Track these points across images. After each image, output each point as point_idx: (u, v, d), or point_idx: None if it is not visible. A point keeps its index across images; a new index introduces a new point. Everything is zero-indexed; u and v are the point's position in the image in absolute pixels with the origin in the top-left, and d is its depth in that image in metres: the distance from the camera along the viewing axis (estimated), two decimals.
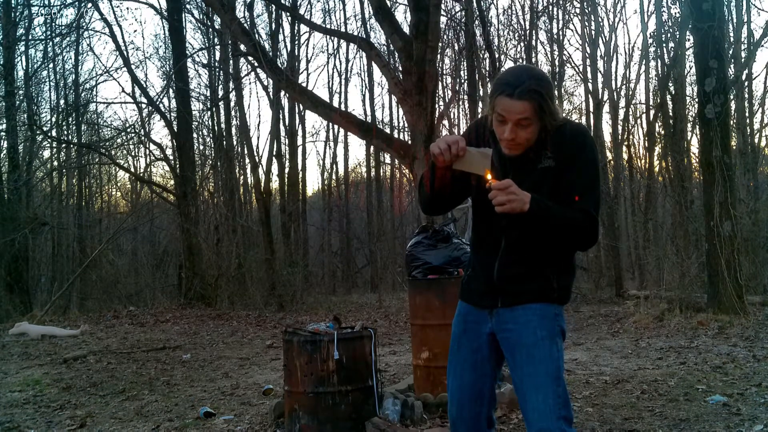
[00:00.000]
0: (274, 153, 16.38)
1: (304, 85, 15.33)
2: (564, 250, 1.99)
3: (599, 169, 1.96)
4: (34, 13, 15.42)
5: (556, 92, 2.08)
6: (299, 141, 19.55)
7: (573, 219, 1.87)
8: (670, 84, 12.75)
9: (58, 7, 15.39)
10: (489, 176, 1.85)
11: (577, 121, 2.16)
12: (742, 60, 12.95)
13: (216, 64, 17.33)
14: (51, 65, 17.77)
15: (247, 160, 16.98)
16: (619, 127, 18.13)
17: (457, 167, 1.92)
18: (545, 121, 1.87)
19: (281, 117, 17.27)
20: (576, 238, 1.93)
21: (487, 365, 2.07)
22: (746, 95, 14.08)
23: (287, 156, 17.59)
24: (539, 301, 1.95)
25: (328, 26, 19.81)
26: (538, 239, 1.92)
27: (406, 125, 16.42)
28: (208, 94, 18.23)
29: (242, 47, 9.95)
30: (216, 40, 16.52)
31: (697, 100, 9.18)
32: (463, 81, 17.54)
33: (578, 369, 5.43)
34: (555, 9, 18.97)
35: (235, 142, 17.51)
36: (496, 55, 17.20)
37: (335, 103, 18.94)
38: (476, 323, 2.07)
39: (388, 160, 21.74)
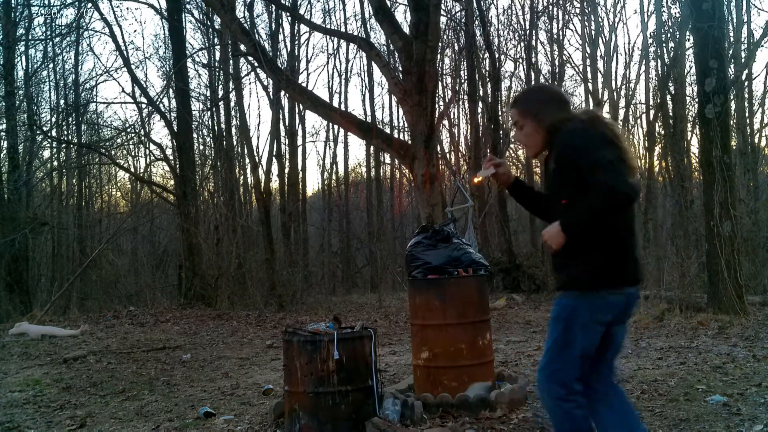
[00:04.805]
0: (274, 153, 16.38)
1: (304, 85, 15.33)
2: (573, 244, 2.26)
3: (588, 159, 2.19)
4: (34, 13, 15.47)
5: (551, 98, 2.49)
6: (299, 141, 19.58)
7: (591, 205, 2.18)
8: (670, 84, 12.75)
9: (58, 7, 15.44)
10: (476, 180, 2.84)
11: (578, 119, 2.39)
12: (742, 60, 12.95)
13: (216, 64, 17.34)
14: (51, 65, 17.82)
15: (247, 160, 16.98)
16: (619, 127, 18.10)
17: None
18: (538, 124, 2.41)
19: (281, 117, 17.29)
20: (608, 210, 2.18)
21: None
22: (746, 95, 14.09)
23: (287, 156, 17.59)
24: (559, 289, 2.42)
25: (328, 26, 19.84)
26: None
27: (406, 125, 16.42)
28: (208, 94, 18.25)
29: (242, 47, 9.96)
30: (216, 40, 16.52)
31: (697, 100, 9.17)
32: (463, 81, 17.56)
33: None
34: (555, 9, 18.98)
35: (235, 142, 17.51)
36: (496, 55, 17.21)
37: (335, 103, 18.95)
38: None
39: (388, 160, 21.75)
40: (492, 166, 2.60)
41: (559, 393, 2.31)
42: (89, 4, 14.95)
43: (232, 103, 16.70)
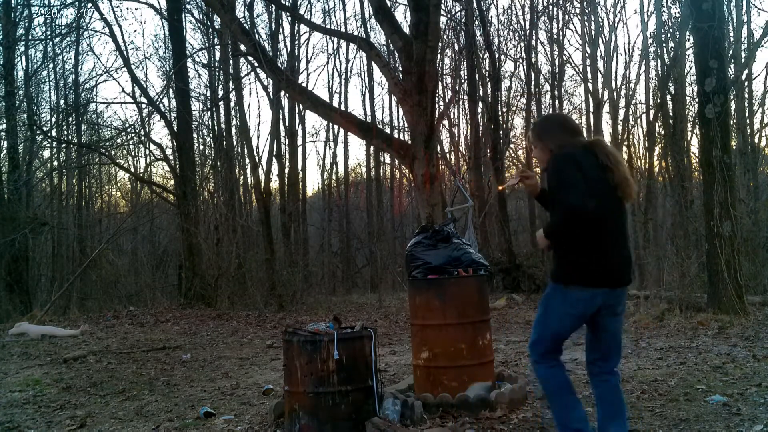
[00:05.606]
0: (274, 153, 16.38)
1: (304, 85, 15.33)
2: (556, 246, 2.85)
3: (558, 179, 2.72)
4: (34, 13, 15.46)
5: (555, 126, 3.06)
6: (299, 141, 19.57)
7: (555, 220, 2.82)
8: (670, 84, 12.74)
9: (58, 7, 15.44)
10: (500, 187, 3.42)
11: (573, 146, 2.87)
12: (742, 60, 12.93)
13: (216, 64, 17.33)
14: (51, 65, 17.81)
15: (247, 160, 16.98)
16: (619, 127, 18.13)
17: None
18: (545, 147, 2.95)
19: (281, 117, 17.28)
20: (567, 225, 2.73)
21: None
22: (746, 95, 14.07)
23: (287, 156, 17.59)
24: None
25: (328, 26, 19.83)
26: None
27: (406, 125, 16.42)
28: (208, 94, 18.25)
29: (242, 47, 9.95)
30: (216, 40, 16.52)
31: (697, 100, 9.16)
32: (463, 81, 17.55)
33: (578, 369, 5.41)
34: (555, 9, 18.98)
35: (235, 142, 17.51)
36: (496, 55, 17.21)
37: (335, 103, 18.94)
38: None
39: (388, 160, 21.75)
40: (520, 176, 3.10)
41: (536, 358, 2.91)
42: (89, 4, 14.96)
43: (232, 103, 16.71)
